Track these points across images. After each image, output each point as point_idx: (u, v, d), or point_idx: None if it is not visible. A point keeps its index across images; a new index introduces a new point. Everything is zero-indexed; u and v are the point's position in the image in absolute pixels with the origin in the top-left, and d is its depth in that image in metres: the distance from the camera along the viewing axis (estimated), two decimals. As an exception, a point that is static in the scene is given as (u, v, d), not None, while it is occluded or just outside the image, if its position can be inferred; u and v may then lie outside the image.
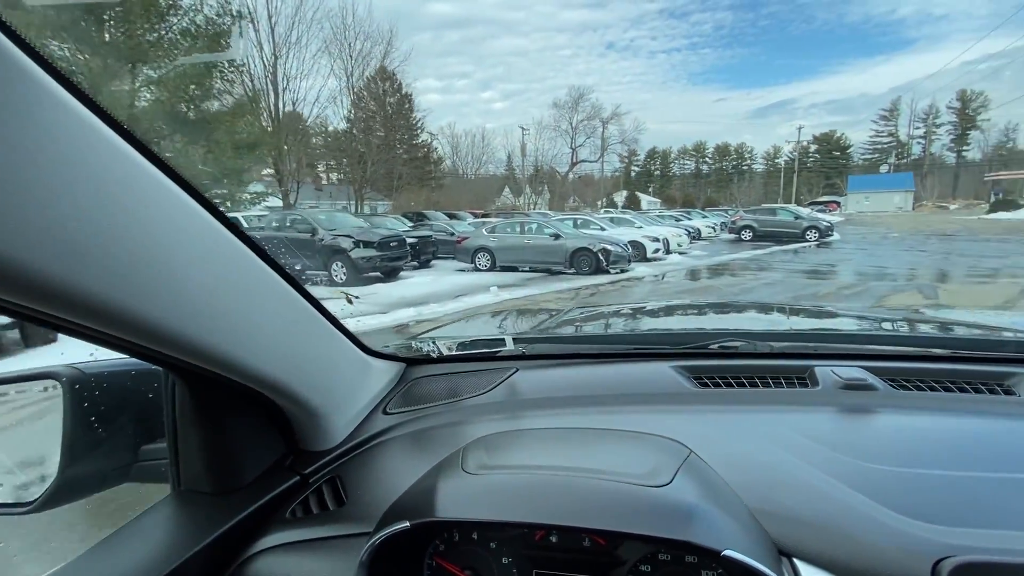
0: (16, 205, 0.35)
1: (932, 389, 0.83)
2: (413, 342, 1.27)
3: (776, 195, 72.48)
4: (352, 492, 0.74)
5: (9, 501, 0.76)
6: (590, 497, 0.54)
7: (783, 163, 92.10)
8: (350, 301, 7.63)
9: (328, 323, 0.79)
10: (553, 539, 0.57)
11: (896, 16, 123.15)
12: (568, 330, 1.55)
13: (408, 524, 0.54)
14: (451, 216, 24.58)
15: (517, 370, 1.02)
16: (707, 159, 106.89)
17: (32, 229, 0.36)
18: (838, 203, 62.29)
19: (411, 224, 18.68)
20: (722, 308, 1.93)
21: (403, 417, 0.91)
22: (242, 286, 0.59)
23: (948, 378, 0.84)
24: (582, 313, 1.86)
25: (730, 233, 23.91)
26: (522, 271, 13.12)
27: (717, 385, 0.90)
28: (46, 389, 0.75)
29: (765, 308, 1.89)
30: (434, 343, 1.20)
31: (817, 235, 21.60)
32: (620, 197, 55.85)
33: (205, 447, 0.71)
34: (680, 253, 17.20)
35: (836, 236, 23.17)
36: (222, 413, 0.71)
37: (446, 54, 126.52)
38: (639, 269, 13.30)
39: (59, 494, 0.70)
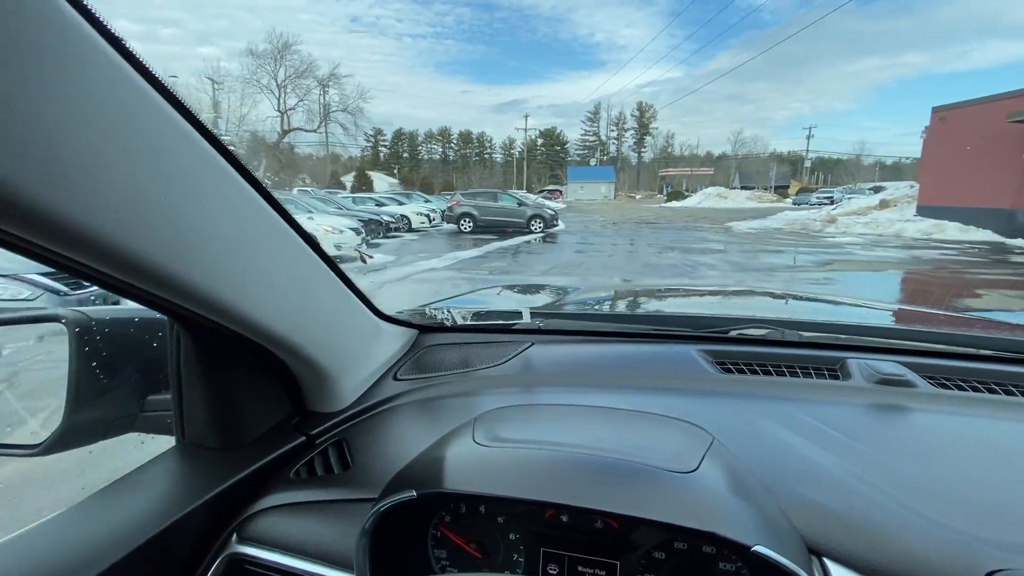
0: (23, 135, 0.32)
1: (975, 390, 0.75)
2: (427, 309, 1.18)
3: (512, 182, 75.11)
4: (358, 456, 0.70)
5: (15, 443, 0.74)
6: (611, 478, 0.49)
7: (518, 153, 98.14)
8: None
9: (341, 283, 0.74)
10: (564, 518, 0.54)
11: (594, 40, 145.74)
12: (586, 307, 1.44)
13: (414, 494, 0.51)
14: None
15: (532, 344, 0.97)
16: (452, 145, 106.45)
17: (39, 159, 0.33)
18: (561, 191, 66.73)
19: None
20: (747, 293, 1.73)
21: (413, 384, 0.88)
22: (255, 237, 0.55)
23: (992, 379, 0.77)
24: (600, 291, 1.74)
25: (447, 223, 18.15)
26: None
27: (742, 372, 0.84)
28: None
29: (792, 296, 1.63)
30: (449, 311, 1.13)
31: (542, 225, 17.58)
32: (349, 177, 46.39)
33: (210, 401, 0.68)
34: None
35: (561, 225, 19.89)
36: (228, 368, 0.67)
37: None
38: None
39: (65, 439, 0.68)
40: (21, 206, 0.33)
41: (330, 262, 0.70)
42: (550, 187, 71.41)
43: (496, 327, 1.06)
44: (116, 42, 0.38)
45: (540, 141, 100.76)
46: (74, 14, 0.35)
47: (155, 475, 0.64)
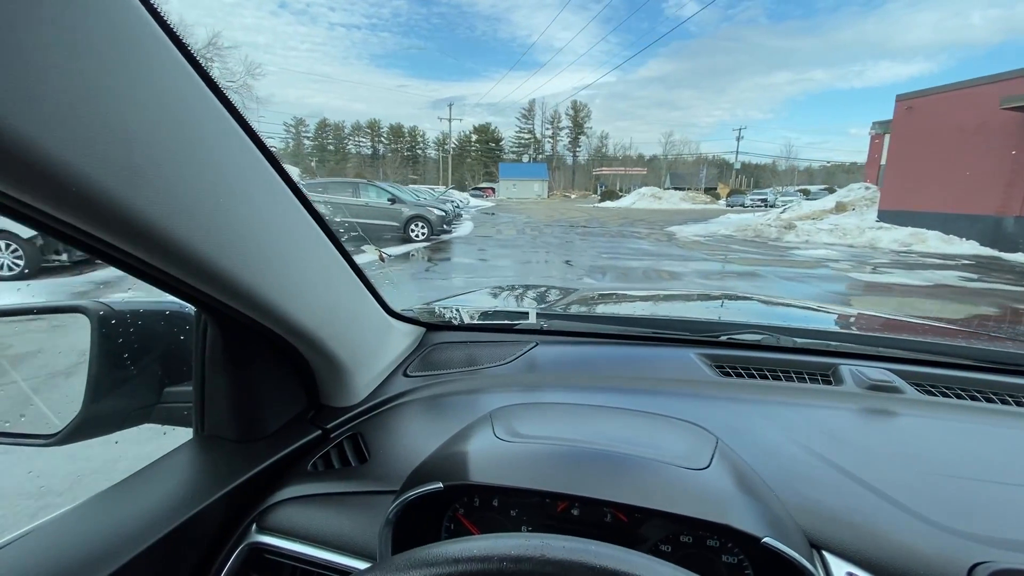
0: (99, 133, 0.33)
1: (959, 396, 0.78)
2: (436, 307, 1.18)
3: (440, 179, 69.69)
4: (373, 450, 0.70)
5: (32, 432, 0.72)
6: (629, 473, 0.51)
7: (451, 149, 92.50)
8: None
9: (359, 281, 0.76)
10: (574, 511, 0.54)
11: (531, 41, 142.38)
12: (586, 309, 1.43)
13: (441, 485, 0.51)
14: None
15: (537, 344, 0.98)
16: (382, 139, 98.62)
17: (112, 155, 0.34)
18: (493, 189, 62.22)
19: None
20: (742, 299, 1.65)
21: (423, 381, 0.88)
22: (291, 235, 0.56)
23: (974, 387, 0.79)
24: (599, 294, 1.75)
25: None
26: None
27: (739, 375, 0.85)
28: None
29: (787, 303, 1.65)
30: (456, 310, 1.14)
31: (426, 231, 12.51)
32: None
33: (232, 394, 0.68)
34: None
35: (461, 230, 15.12)
36: (251, 362, 0.67)
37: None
38: None
39: (82, 428, 0.67)
40: (74, 191, 0.33)
41: (350, 259, 0.70)
42: (483, 185, 67.11)
43: (501, 327, 1.06)
44: (183, 47, 0.39)
45: (474, 137, 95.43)
46: (151, 20, 0.36)
47: (176, 466, 0.64)
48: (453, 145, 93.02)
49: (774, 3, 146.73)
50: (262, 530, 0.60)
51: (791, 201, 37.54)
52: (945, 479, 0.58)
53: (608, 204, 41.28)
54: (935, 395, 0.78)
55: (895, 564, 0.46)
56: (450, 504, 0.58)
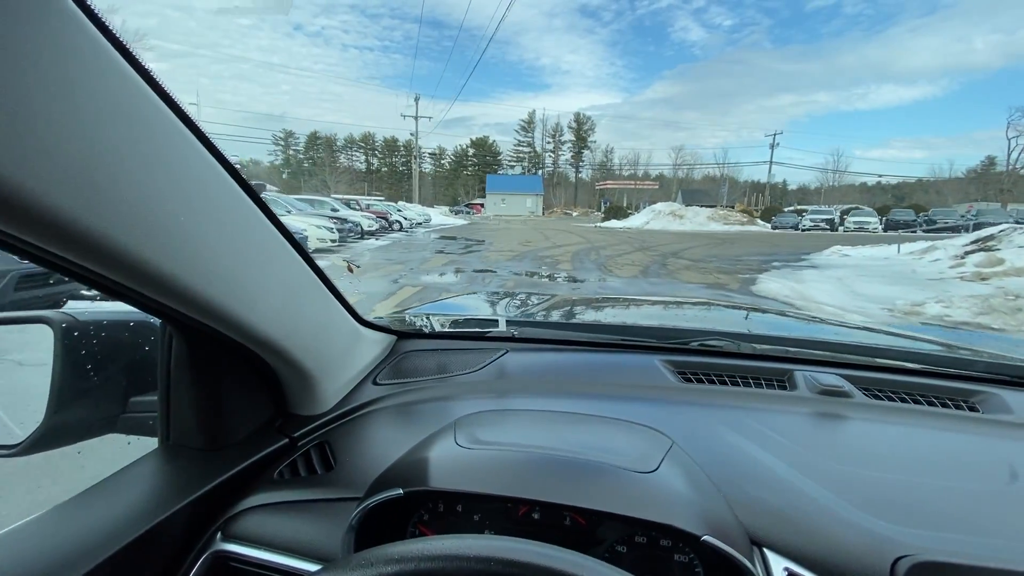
0: (36, 138, 0.32)
1: (903, 400, 0.80)
2: (406, 315, 1.17)
3: (441, 194, 61.24)
4: (340, 458, 0.69)
5: None
6: (581, 477, 0.52)
7: (448, 164, 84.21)
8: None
9: (326, 289, 0.74)
10: (535, 516, 0.55)
11: (539, 63, 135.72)
12: (558, 316, 1.44)
13: (401, 492, 0.52)
14: None
15: (507, 352, 0.97)
16: (376, 152, 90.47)
17: (49, 161, 0.32)
18: (482, 205, 53.12)
19: None
20: (707, 307, 1.69)
21: (392, 389, 0.87)
22: (251, 243, 0.55)
23: (919, 391, 0.82)
24: (572, 300, 1.72)
25: None
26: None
27: (700, 381, 0.87)
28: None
29: (748, 311, 1.66)
30: (427, 318, 1.13)
31: None
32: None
33: (197, 403, 0.66)
34: None
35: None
36: (216, 371, 0.66)
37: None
38: None
39: (44, 439, 0.65)
40: (28, 208, 0.32)
41: (316, 268, 0.69)
42: (475, 201, 58.39)
43: (472, 335, 1.04)
44: (124, 50, 0.38)
45: (471, 152, 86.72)
46: (87, 22, 0.35)
47: (139, 476, 0.62)
48: (452, 161, 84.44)
49: (778, 28, 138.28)
50: (227, 538, 0.58)
51: (869, 222, 27.59)
52: (883, 478, 0.59)
53: (613, 224, 31.25)
54: (882, 399, 0.79)
55: (827, 559, 0.48)
56: (415, 511, 0.58)
